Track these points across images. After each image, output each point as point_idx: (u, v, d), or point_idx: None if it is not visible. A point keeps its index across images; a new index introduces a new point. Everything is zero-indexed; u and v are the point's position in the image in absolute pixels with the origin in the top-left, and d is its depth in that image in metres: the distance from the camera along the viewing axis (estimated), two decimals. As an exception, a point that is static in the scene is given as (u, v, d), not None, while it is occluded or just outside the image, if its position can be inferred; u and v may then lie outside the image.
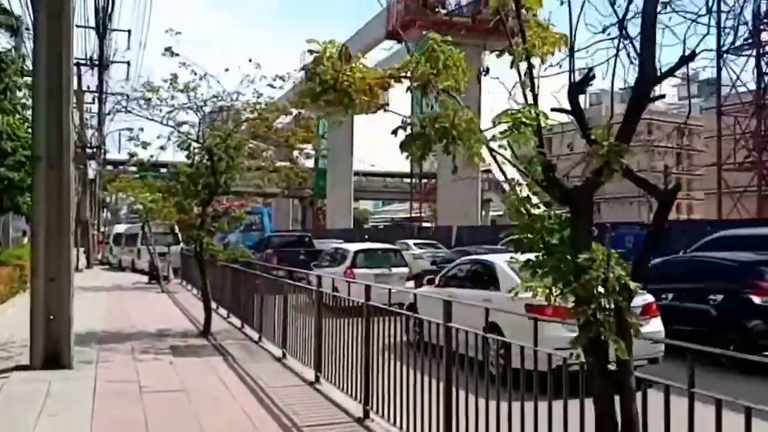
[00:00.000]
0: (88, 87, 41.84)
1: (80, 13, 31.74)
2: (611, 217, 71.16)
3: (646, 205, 79.16)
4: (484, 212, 58.34)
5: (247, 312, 13.43)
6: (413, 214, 60.94)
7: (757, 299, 10.74)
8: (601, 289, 2.96)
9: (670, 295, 11.61)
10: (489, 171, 63.97)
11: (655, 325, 9.17)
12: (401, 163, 69.97)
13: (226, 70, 12.22)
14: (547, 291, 3.29)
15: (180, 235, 34.29)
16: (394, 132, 3.92)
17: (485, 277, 10.61)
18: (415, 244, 32.23)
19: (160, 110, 12.28)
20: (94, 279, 27.65)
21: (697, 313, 11.28)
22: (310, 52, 4.58)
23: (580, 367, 4.04)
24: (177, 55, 12.39)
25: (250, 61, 11.94)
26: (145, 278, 26.69)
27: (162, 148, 12.48)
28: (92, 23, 35.62)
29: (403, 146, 3.83)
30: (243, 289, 13.78)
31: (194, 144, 12.74)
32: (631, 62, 3.47)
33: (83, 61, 37.86)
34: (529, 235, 3.27)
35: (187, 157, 12.85)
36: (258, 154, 13.53)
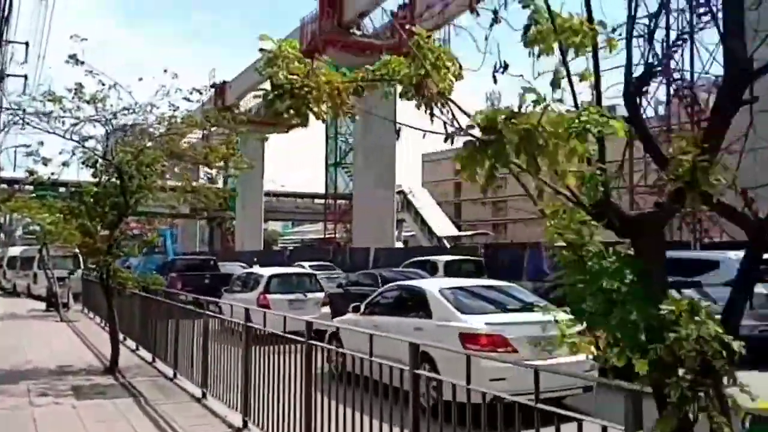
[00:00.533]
0: (-20, 100, 39.15)
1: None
2: (522, 237, 72.43)
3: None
4: (397, 232, 58.03)
5: (159, 344, 12.29)
6: (327, 235, 60.01)
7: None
8: (693, 353, 2.27)
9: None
10: (401, 192, 64.04)
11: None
12: (313, 184, 69.13)
13: (140, 79, 11.16)
14: (599, 350, 2.60)
15: (81, 259, 32.28)
16: (449, 138, 2.96)
17: (415, 304, 10.08)
18: (310, 266, 30.71)
19: (63, 122, 11.07)
20: (-17, 307, 25.47)
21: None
22: (262, 51, 3.79)
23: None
24: (82, 63, 11.26)
25: (165, 71, 10.93)
26: (43, 305, 24.71)
27: (65, 164, 11.25)
28: (-15, 31, 33.47)
29: (463, 161, 2.75)
30: (154, 318, 12.63)
31: (101, 161, 11.56)
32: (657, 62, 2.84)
33: (-25, 72, 35.40)
34: (580, 278, 2.55)
35: (93, 175, 11.65)
36: (172, 173, 12.46)
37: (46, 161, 11.09)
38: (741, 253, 2.81)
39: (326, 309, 16.58)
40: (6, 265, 36.05)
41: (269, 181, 67.49)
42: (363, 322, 10.12)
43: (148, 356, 12.83)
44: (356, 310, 11.37)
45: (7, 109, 32.99)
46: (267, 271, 19.30)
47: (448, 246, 56.09)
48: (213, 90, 56.85)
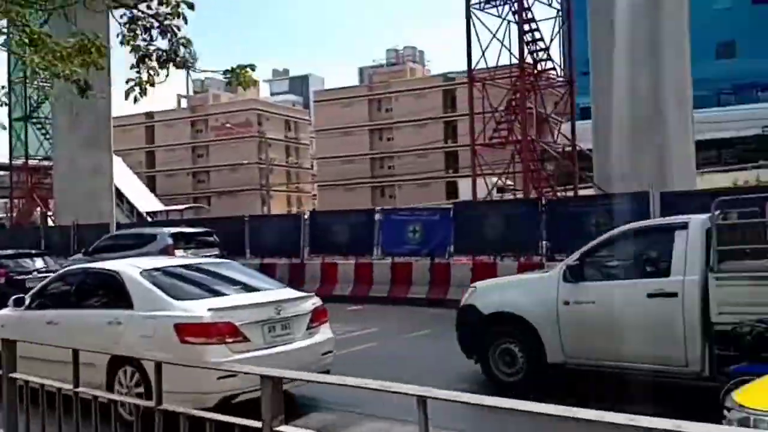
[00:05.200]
0: None
1: None
2: (224, 210, 65.60)
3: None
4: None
5: None
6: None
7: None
8: None
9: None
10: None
11: (325, 334, 8.19)
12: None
13: None
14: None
15: None
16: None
17: (107, 292, 8.27)
18: None
19: None
20: None
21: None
22: None
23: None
24: None
25: None
26: None
27: None
28: None
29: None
30: None
31: None
32: None
33: None
34: None
35: None
36: None
37: None
38: None
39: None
40: None
41: None
42: (31, 317, 8.55)
43: None
44: (19, 303, 9.03)
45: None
46: None
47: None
48: None
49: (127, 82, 3.69)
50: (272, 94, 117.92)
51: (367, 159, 78.81)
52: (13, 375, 3.71)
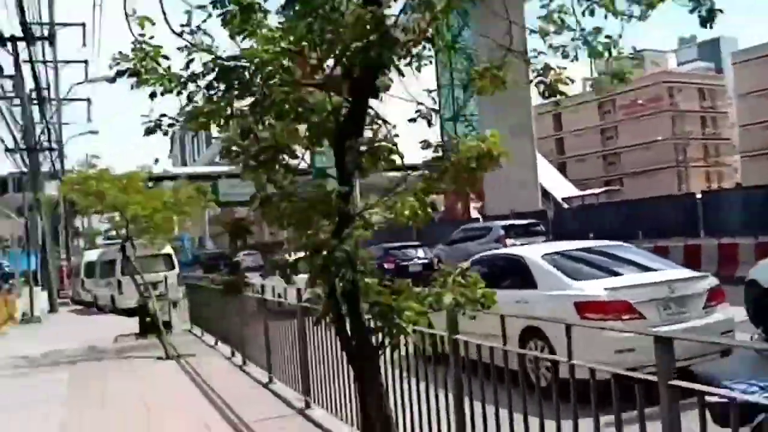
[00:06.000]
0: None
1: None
2: (638, 191, 62.29)
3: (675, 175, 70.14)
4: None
5: None
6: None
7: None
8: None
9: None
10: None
11: (723, 314, 8.04)
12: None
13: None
14: None
15: (174, 257, 24.81)
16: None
17: (514, 275, 8.94)
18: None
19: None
20: (53, 335, 18.00)
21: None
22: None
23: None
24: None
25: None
26: (133, 324, 16.94)
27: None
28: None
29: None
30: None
31: None
32: None
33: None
34: None
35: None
36: None
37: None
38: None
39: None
40: (84, 274, 28.81)
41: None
42: None
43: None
44: None
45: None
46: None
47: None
48: None
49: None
50: (679, 64, 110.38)
51: (805, 120, 68.73)
52: (672, 383, 3.29)
